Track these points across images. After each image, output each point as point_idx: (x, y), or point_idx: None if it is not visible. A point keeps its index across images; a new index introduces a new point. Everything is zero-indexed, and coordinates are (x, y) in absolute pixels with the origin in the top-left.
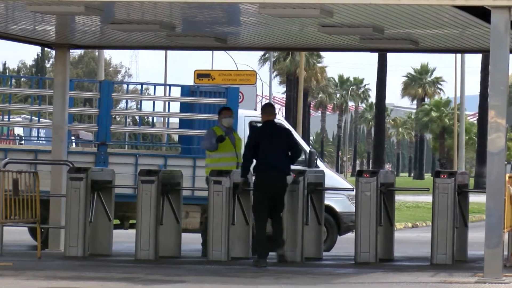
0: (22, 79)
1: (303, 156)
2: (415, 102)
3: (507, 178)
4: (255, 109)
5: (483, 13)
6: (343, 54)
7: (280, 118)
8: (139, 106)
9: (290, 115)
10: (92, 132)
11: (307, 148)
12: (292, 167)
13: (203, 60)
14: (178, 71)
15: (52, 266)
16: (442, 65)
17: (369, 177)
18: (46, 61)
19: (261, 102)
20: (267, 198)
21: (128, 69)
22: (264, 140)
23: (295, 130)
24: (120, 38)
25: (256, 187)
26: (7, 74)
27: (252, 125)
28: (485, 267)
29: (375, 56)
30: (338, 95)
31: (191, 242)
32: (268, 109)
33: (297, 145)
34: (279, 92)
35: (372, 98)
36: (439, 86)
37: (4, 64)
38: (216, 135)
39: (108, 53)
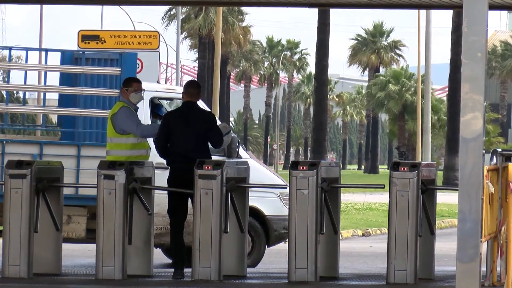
0: None
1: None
2: (366, 72)
3: (485, 172)
4: (158, 82)
5: None
6: (273, 10)
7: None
8: (6, 77)
9: (203, 89)
10: None
11: None
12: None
13: (90, 18)
14: (58, 32)
15: None
16: (402, 25)
17: (306, 171)
18: None
19: (166, 72)
20: (181, 196)
21: None
22: (177, 125)
23: (210, 108)
24: None
25: (169, 183)
26: None
27: (154, 103)
28: (457, 287)
29: (314, 12)
30: (266, 64)
31: (75, 254)
32: (189, 90)
33: (218, 131)
34: (189, 59)
35: (311, 68)
36: (397, 51)
37: None
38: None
39: None
